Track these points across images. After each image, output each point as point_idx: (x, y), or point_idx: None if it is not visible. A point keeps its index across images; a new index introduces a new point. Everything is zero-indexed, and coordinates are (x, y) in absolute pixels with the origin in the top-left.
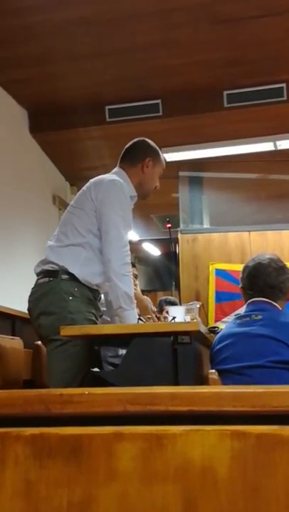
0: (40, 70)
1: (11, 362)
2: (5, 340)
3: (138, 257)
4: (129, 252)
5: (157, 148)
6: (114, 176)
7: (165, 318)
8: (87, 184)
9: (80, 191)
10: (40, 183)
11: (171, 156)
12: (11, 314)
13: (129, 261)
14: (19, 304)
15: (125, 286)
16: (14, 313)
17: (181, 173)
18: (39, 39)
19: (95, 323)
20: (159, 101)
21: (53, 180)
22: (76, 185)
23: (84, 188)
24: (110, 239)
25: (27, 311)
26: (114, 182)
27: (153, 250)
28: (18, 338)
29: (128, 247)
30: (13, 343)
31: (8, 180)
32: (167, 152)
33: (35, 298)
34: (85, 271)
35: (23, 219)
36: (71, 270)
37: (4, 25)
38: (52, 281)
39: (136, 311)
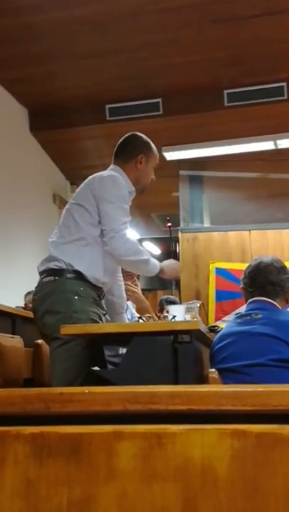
0: (41, 69)
1: (11, 361)
2: (5, 339)
3: None
4: (127, 233)
5: (149, 141)
6: (113, 172)
7: (165, 317)
8: (87, 180)
9: (80, 187)
10: (41, 181)
11: (171, 155)
12: (11, 313)
13: (127, 237)
14: (20, 302)
15: (134, 256)
16: (14, 312)
17: (181, 172)
18: (39, 38)
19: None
20: (159, 100)
21: (53, 178)
22: (76, 184)
23: (83, 184)
24: (109, 216)
25: (31, 310)
26: (113, 178)
27: (153, 249)
28: (19, 336)
29: (126, 230)
30: (14, 341)
31: (8, 179)
32: (168, 151)
33: (39, 297)
34: (92, 267)
35: (23, 218)
36: (77, 267)
37: (4, 24)
38: (57, 280)
39: (151, 261)
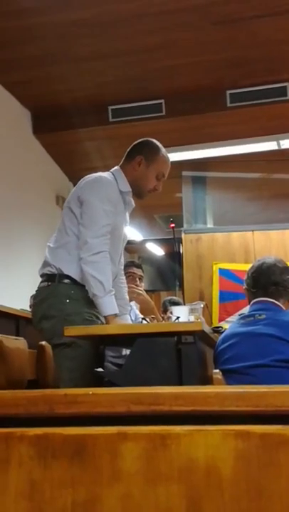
0: (43, 71)
1: (15, 362)
2: (9, 340)
3: (141, 257)
4: (106, 242)
5: (157, 149)
6: (104, 173)
7: (169, 318)
8: (78, 183)
9: (72, 190)
10: (44, 183)
11: (174, 156)
12: (15, 315)
13: (104, 249)
14: (23, 304)
15: (94, 271)
16: (18, 314)
17: (184, 173)
18: (41, 40)
19: (96, 323)
20: (162, 101)
21: (56, 180)
22: None
23: (74, 187)
24: (87, 215)
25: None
26: (97, 179)
27: (156, 250)
28: (22, 338)
29: (105, 237)
30: (17, 343)
31: (12, 181)
32: (170, 152)
33: (36, 302)
34: (80, 271)
35: (26, 219)
36: (67, 272)
37: (6, 26)
38: (50, 285)
39: (112, 299)
